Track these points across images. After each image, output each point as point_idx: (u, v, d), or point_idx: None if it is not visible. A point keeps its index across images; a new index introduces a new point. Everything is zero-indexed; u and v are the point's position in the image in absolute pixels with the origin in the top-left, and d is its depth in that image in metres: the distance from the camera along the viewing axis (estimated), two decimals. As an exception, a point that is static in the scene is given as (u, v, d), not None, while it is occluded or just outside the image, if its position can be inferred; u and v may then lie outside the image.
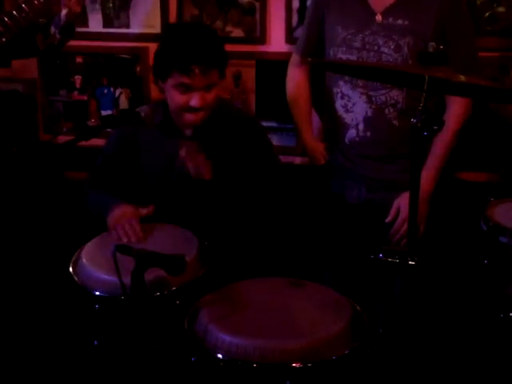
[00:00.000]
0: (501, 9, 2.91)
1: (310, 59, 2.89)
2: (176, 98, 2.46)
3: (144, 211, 2.47)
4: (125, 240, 2.34)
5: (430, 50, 1.85)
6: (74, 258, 2.38)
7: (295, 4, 3.26)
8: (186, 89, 2.43)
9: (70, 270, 2.32)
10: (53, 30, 2.80)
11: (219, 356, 1.89)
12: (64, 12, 2.72)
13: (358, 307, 2.08)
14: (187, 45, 2.39)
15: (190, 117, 2.49)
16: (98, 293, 2.18)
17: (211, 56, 2.41)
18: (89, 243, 2.45)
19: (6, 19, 2.62)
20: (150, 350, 2.00)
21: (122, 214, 2.45)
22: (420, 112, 1.79)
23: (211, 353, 1.90)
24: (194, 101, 2.43)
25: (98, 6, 3.63)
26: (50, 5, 2.66)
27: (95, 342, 2.19)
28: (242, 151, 2.55)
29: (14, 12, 2.62)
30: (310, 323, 1.99)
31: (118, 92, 3.76)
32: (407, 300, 1.96)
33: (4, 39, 2.63)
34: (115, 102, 3.77)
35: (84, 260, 2.32)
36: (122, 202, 2.51)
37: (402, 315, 1.99)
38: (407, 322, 1.99)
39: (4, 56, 2.92)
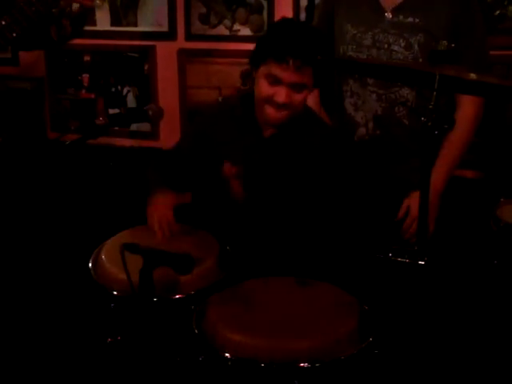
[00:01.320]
0: (511, 7, 2.90)
1: (319, 57, 2.88)
2: (264, 88, 2.37)
3: (183, 198, 2.45)
4: (159, 236, 2.34)
5: (441, 48, 1.84)
6: (94, 255, 2.39)
7: (303, 2, 3.25)
8: (275, 81, 2.34)
9: (90, 266, 2.34)
10: (65, 22, 2.81)
11: (227, 355, 1.87)
12: (76, 6, 2.73)
13: (365, 307, 2.06)
14: (288, 35, 2.33)
15: (271, 112, 2.39)
16: (114, 292, 2.19)
17: (308, 52, 2.31)
18: (109, 240, 2.46)
19: (16, 14, 2.62)
20: (159, 349, 2.00)
21: (161, 203, 2.42)
22: (431, 111, 1.78)
23: (219, 352, 1.89)
24: (280, 95, 2.34)
25: (106, 5, 3.64)
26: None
27: (108, 339, 2.20)
28: (320, 164, 2.49)
29: (24, 6, 2.63)
30: (317, 323, 1.97)
31: (125, 90, 3.77)
32: (416, 300, 1.95)
33: (14, 34, 2.63)
34: (123, 100, 3.77)
35: (103, 257, 2.32)
36: (165, 188, 2.48)
37: (411, 315, 1.99)
38: (416, 322, 1.99)
39: (18, 47, 2.94)
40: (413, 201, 2.63)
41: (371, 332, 1.95)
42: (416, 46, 2.58)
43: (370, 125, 2.71)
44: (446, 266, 2.34)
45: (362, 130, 2.73)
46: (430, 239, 2.05)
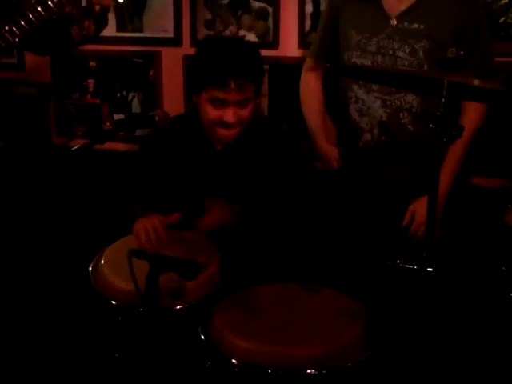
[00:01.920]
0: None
1: (326, 64, 2.88)
2: (210, 112, 2.39)
3: (171, 219, 2.39)
4: (147, 245, 2.26)
5: (450, 55, 1.83)
6: (93, 262, 2.38)
7: (308, 9, 3.25)
8: (220, 104, 2.36)
9: (90, 271, 2.33)
10: (87, 22, 2.82)
11: (234, 361, 1.87)
12: (97, 8, 2.74)
13: (372, 313, 2.05)
14: (223, 58, 2.34)
15: (223, 132, 2.43)
16: (114, 302, 2.17)
17: (247, 70, 2.33)
18: (110, 247, 2.46)
19: (20, 20, 2.62)
20: (166, 356, 1.99)
21: (147, 220, 2.35)
22: (439, 118, 1.77)
23: (226, 358, 1.88)
24: (228, 116, 2.36)
25: (111, 11, 3.64)
26: (64, 6, 2.67)
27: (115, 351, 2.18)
28: (275, 167, 2.51)
29: (29, 13, 2.63)
30: (324, 329, 1.97)
31: (130, 96, 3.77)
32: (424, 307, 1.94)
33: (17, 39, 2.63)
34: (128, 105, 3.77)
35: (104, 266, 2.31)
36: (149, 213, 2.42)
37: (419, 322, 1.98)
38: (423, 329, 1.97)
39: (35, 50, 2.95)
40: (418, 206, 2.63)
41: (378, 339, 1.95)
42: (421, 53, 2.57)
43: (375, 131, 2.70)
44: (455, 272, 2.33)
45: (367, 136, 2.72)
46: (438, 246, 2.02)
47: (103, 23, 2.87)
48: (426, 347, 2.06)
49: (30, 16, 2.63)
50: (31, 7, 2.64)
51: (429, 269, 1.85)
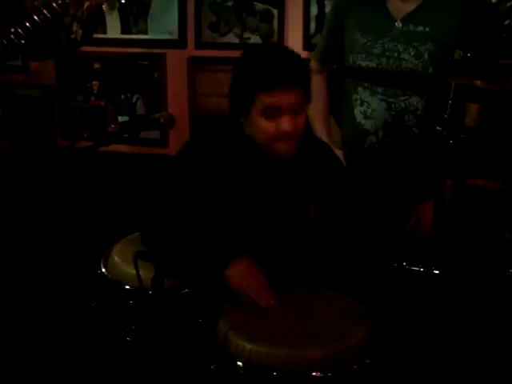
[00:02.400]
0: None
1: (333, 66, 2.88)
2: (265, 126, 2.16)
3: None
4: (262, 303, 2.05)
5: (457, 57, 1.83)
6: (104, 255, 2.44)
7: (313, 11, 3.25)
8: (274, 112, 2.13)
9: (101, 265, 2.38)
10: (75, 26, 2.82)
11: (239, 364, 1.86)
12: (86, 5, 2.73)
13: (377, 316, 2.05)
14: (269, 61, 2.14)
15: (281, 147, 2.18)
16: (127, 286, 2.23)
17: (295, 71, 2.15)
18: (118, 243, 2.51)
19: (25, 21, 2.63)
20: (172, 357, 1.99)
21: (248, 274, 2.09)
22: (446, 120, 1.77)
23: (231, 360, 1.87)
24: (285, 124, 2.13)
25: (116, 13, 3.65)
26: (68, 7, 2.66)
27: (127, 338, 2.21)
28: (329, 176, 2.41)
29: (33, 13, 2.63)
30: (329, 332, 1.96)
31: (134, 98, 3.77)
32: (430, 309, 1.93)
33: (23, 41, 2.63)
34: (132, 107, 3.77)
35: (115, 257, 2.38)
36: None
37: (425, 325, 1.97)
38: (430, 331, 1.97)
39: (28, 54, 2.94)
40: (422, 210, 2.63)
41: (383, 341, 1.94)
42: (426, 55, 2.57)
43: (380, 133, 2.70)
44: (461, 275, 2.32)
45: (372, 138, 2.72)
46: (445, 248, 2.02)
47: (93, 28, 2.86)
48: (432, 350, 2.06)
49: (36, 18, 2.63)
50: (37, 9, 2.64)
51: (435, 271, 1.85)
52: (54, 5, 2.62)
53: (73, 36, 2.85)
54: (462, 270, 2.35)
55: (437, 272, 1.84)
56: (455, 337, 2.25)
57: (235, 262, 2.07)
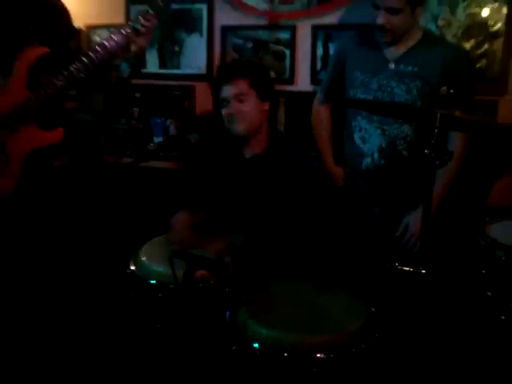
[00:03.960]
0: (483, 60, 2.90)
1: (335, 98, 2.89)
2: (222, 113, 2.54)
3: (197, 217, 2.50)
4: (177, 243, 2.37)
5: (443, 93, 1.84)
6: (133, 255, 2.45)
7: (319, 52, 3.26)
8: (225, 102, 2.50)
9: (131, 264, 2.40)
10: (123, 67, 2.84)
11: (256, 346, 1.89)
12: (133, 49, 2.76)
13: (373, 309, 2.06)
14: (222, 65, 2.54)
15: (235, 127, 2.52)
16: (154, 281, 2.25)
17: (237, 68, 2.53)
18: (146, 244, 2.53)
19: (85, 59, 2.65)
20: (198, 341, 2.01)
21: (179, 219, 2.51)
22: (433, 144, 1.78)
23: (249, 343, 1.90)
24: (230, 108, 2.49)
25: (155, 51, 3.68)
26: (119, 47, 2.69)
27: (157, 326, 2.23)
28: (288, 180, 2.49)
29: (91, 53, 2.66)
30: (332, 321, 1.98)
31: (168, 122, 3.78)
32: (417, 302, 1.94)
33: (82, 75, 2.66)
34: (166, 130, 3.79)
35: (143, 256, 2.40)
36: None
37: (413, 316, 1.98)
38: (417, 321, 1.98)
39: (84, 88, 2.96)
40: (411, 220, 2.64)
41: (377, 330, 1.95)
42: (414, 91, 2.59)
43: (376, 155, 2.70)
44: (443, 274, 2.33)
45: (369, 160, 2.73)
46: (431, 252, 2.03)
47: (138, 68, 2.88)
48: (419, 336, 2.07)
49: (93, 56, 2.66)
50: (93, 49, 2.68)
51: (422, 271, 1.86)
52: (108, 46, 2.66)
53: (120, 74, 2.87)
54: (443, 270, 2.36)
55: (423, 271, 1.86)
56: (438, 325, 2.26)
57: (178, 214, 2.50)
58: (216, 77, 2.57)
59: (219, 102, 2.55)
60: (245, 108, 2.49)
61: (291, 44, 3.32)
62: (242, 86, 2.49)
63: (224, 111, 2.52)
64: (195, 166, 2.75)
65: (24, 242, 2.74)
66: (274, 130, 2.70)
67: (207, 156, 2.70)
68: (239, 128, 2.51)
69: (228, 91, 2.49)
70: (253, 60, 2.65)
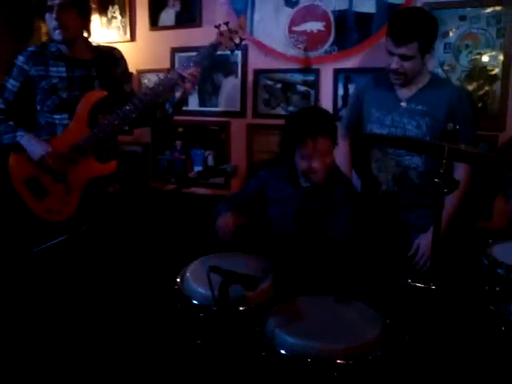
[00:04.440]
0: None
1: (355, 133, 2.89)
2: (301, 164, 2.36)
3: (242, 219, 2.40)
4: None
5: (449, 128, 1.84)
6: (181, 273, 2.40)
7: (340, 92, 3.27)
8: (307, 157, 2.32)
9: (178, 281, 2.35)
10: (167, 106, 2.89)
11: (283, 352, 1.88)
12: (179, 93, 2.81)
13: (388, 321, 2.03)
14: (305, 121, 2.33)
15: (314, 178, 2.38)
16: (196, 302, 2.20)
17: (323, 128, 2.30)
18: (192, 263, 2.48)
19: (136, 101, 2.71)
20: (231, 347, 2.00)
21: (224, 218, 2.39)
22: (442, 174, 1.78)
23: (277, 350, 1.89)
24: (316, 164, 2.32)
25: (196, 92, 3.73)
26: (167, 90, 2.75)
27: (198, 341, 2.18)
28: (337, 204, 2.39)
29: (141, 96, 2.72)
30: (351, 331, 1.96)
31: (206, 153, 3.81)
32: (427, 316, 1.92)
33: (134, 115, 2.72)
34: (205, 160, 3.82)
35: (188, 275, 2.35)
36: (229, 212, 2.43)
37: (423, 327, 1.95)
38: (426, 331, 1.95)
39: (134, 124, 3.02)
40: (422, 241, 2.61)
41: (392, 339, 1.93)
42: (424, 127, 2.59)
43: (390, 183, 2.70)
44: (451, 290, 2.30)
45: (384, 187, 2.72)
46: (440, 270, 2.01)
47: (179, 109, 2.93)
48: (429, 345, 2.04)
49: (142, 98, 2.72)
50: (143, 92, 2.74)
51: (432, 287, 1.84)
52: (156, 88, 2.72)
53: (165, 113, 2.93)
54: (451, 287, 2.32)
55: (434, 287, 1.84)
56: (446, 336, 2.22)
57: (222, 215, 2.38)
58: (297, 130, 2.33)
59: (294, 149, 2.37)
60: (327, 162, 2.35)
61: (315, 85, 3.34)
62: (326, 144, 2.33)
63: (305, 163, 2.34)
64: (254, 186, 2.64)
65: (83, 258, 2.78)
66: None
67: (265, 183, 2.60)
68: (319, 179, 2.38)
69: (311, 148, 2.30)
70: (326, 112, 2.46)
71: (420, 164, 2.63)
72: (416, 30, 2.44)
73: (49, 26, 2.68)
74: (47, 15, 2.65)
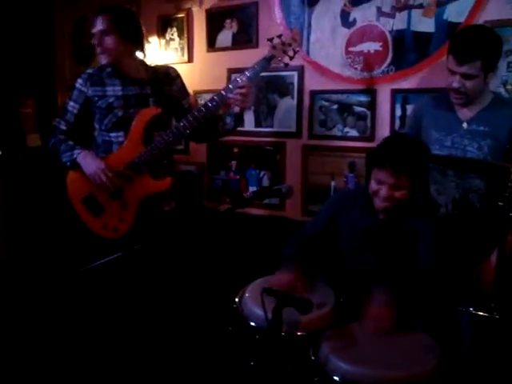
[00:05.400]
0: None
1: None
2: (372, 185, 2.32)
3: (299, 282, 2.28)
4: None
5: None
6: (239, 295, 2.37)
7: (397, 112, 3.22)
8: (379, 182, 2.28)
9: (236, 300, 2.33)
10: (228, 119, 2.92)
11: (336, 378, 1.84)
12: (236, 108, 2.83)
13: (446, 352, 1.95)
14: (388, 147, 2.28)
15: (377, 202, 2.32)
16: (252, 323, 2.17)
17: (403, 162, 2.21)
18: (252, 283, 2.45)
19: (190, 117, 2.75)
20: (284, 371, 1.96)
21: (281, 277, 2.27)
22: (506, 197, 1.70)
23: (330, 375, 1.86)
24: (382, 192, 2.27)
25: (251, 112, 3.76)
26: (220, 107, 2.78)
27: (251, 363, 2.15)
28: (414, 239, 2.33)
29: (196, 112, 2.75)
30: (407, 360, 1.89)
31: (261, 174, 3.82)
32: (492, 348, 1.83)
33: (188, 131, 2.76)
34: (259, 180, 3.83)
35: (247, 295, 2.33)
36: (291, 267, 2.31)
37: (487, 361, 1.86)
38: (490, 367, 1.86)
39: (197, 139, 3.06)
40: (484, 266, 2.51)
41: (452, 372, 1.84)
42: (486, 148, 2.50)
43: (449, 206, 2.61)
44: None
45: (443, 210, 2.64)
46: (505, 298, 1.91)
47: (240, 121, 2.96)
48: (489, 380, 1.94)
49: (197, 115, 2.75)
50: (198, 109, 2.77)
51: (496, 316, 1.75)
52: (210, 105, 2.75)
53: (227, 126, 2.96)
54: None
55: (497, 317, 1.75)
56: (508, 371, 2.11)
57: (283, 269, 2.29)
58: (381, 153, 2.28)
59: (371, 172, 2.34)
60: (397, 196, 2.28)
61: (372, 106, 3.31)
62: (403, 180, 2.24)
63: (374, 186, 2.30)
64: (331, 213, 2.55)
65: (136, 276, 2.81)
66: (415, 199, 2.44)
67: (340, 207, 2.53)
68: (382, 206, 2.32)
69: (387, 179, 2.24)
70: (416, 143, 2.40)
71: (482, 187, 2.53)
72: (480, 48, 2.37)
73: (96, 51, 2.78)
74: (93, 41, 2.76)
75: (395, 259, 2.34)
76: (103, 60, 2.76)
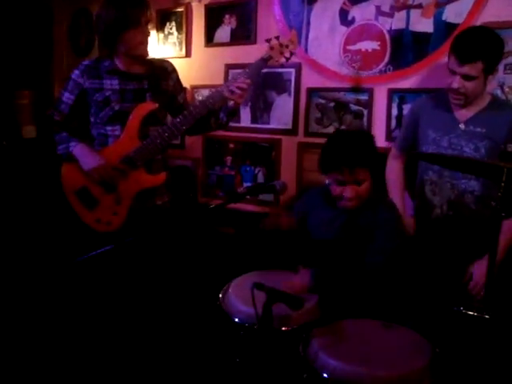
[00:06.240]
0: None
1: (408, 153, 2.82)
2: (334, 188, 2.34)
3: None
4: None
5: (510, 149, 1.77)
6: (223, 290, 2.37)
7: (394, 112, 3.21)
8: (340, 183, 2.31)
9: (220, 296, 2.32)
10: (221, 115, 2.91)
11: (325, 375, 1.82)
12: (231, 103, 2.82)
13: (437, 350, 1.94)
14: (336, 148, 2.31)
15: (344, 203, 2.34)
16: (237, 320, 2.16)
17: (356, 158, 2.25)
18: (235, 279, 2.44)
19: (187, 113, 2.74)
20: (273, 367, 1.95)
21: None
22: (499, 198, 1.70)
23: (319, 372, 1.84)
24: (346, 193, 2.29)
25: (248, 109, 3.74)
26: (217, 103, 2.77)
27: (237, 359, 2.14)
28: (378, 228, 2.33)
29: (192, 108, 2.75)
30: (397, 358, 1.88)
31: (256, 170, 3.81)
32: (481, 346, 1.82)
33: (184, 127, 2.75)
34: (254, 177, 3.82)
35: (230, 291, 2.31)
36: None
37: (474, 357, 1.85)
38: (477, 362, 1.85)
39: (188, 133, 3.05)
40: (476, 269, 2.50)
41: (441, 370, 1.84)
42: (482, 150, 2.49)
43: (444, 207, 2.61)
44: (505, 321, 2.18)
45: (438, 211, 2.63)
46: (495, 299, 1.91)
47: (233, 116, 2.96)
48: (479, 378, 1.93)
49: (193, 110, 2.74)
50: (194, 105, 2.76)
51: (486, 316, 1.75)
52: (208, 104, 2.74)
53: (219, 121, 2.95)
54: (506, 317, 2.21)
55: (487, 317, 1.75)
56: (499, 369, 2.10)
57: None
58: (330, 156, 2.32)
59: (327, 175, 2.37)
60: (361, 190, 2.32)
61: (369, 105, 3.30)
62: (362, 174, 2.29)
63: (337, 190, 2.33)
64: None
65: (127, 269, 2.80)
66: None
67: (307, 203, 2.61)
68: (349, 205, 2.34)
69: (348, 178, 2.28)
70: (362, 133, 2.38)
71: (477, 188, 2.53)
72: (482, 49, 2.36)
73: (132, 41, 2.72)
74: (132, 31, 2.69)
75: (351, 250, 2.35)
76: (143, 51, 2.76)
